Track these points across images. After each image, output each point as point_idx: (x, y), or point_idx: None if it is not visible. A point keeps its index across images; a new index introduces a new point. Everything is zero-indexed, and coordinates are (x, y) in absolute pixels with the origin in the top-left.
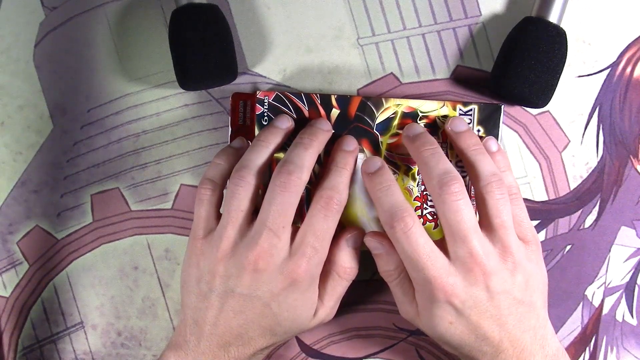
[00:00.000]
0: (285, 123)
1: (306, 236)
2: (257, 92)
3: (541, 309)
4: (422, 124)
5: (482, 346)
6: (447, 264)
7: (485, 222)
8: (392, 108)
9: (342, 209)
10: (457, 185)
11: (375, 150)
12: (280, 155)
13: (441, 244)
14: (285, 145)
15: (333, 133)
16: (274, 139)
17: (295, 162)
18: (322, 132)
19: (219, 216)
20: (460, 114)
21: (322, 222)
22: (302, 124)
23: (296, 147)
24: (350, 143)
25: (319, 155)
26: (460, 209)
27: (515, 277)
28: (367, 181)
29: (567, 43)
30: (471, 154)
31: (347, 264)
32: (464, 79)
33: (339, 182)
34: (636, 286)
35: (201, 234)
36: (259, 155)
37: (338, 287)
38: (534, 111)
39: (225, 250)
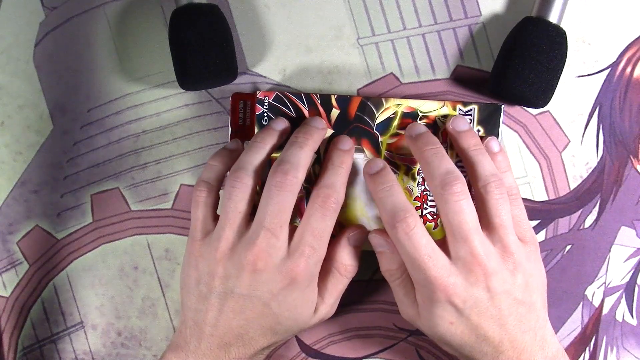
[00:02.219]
0: (281, 125)
1: (304, 235)
2: (257, 92)
3: (541, 309)
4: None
5: (483, 347)
6: (448, 264)
7: (485, 222)
8: (392, 108)
9: (340, 208)
10: (460, 186)
11: (375, 150)
12: (278, 155)
13: (442, 243)
14: (282, 146)
15: (332, 134)
16: (270, 140)
17: (290, 161)
18: (317, 131)
19: (216, 217)
20: (460, 114)
21: (320, 222)
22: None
23: (291, 146)
24: (346, 142)
25: (319, 155)
26: (463, 209)
27: (516, 278)
28: (369, 182)
29: (567, 43)
30: (472, 154)
31: (347, 261)
32: (464, 79)
33: (335, 181)
34: (636, 286)
35: (199, 236)
36: (256, 156)
37: (339, 285)
38: (534, 111)
39: (223, 251)
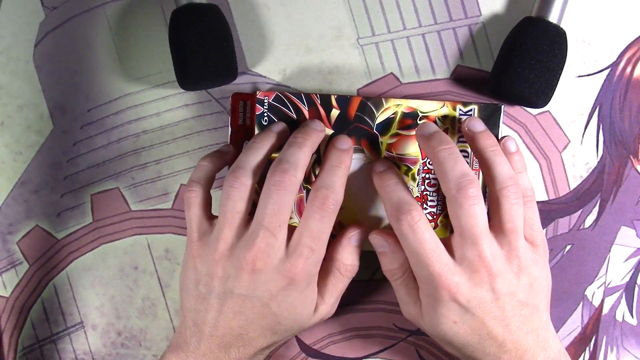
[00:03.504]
0: (279, 127)
1: (302, 237)
2: (257, 92)
3: (544, 311)
4: None
5: (486, 347)
6: (452, 262)
7: (497, 225)
8: (392, 108)
9: (338, 208)
10: (474, 189)
11: (375, 150)
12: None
13: (444, 244)
14: (280, 148)
15: (332, 134)
16: (269, 141)
17: (289, 161)
18: (315, 132)
19: (210, 216)
20: (460, 114)
21: (318, 223)
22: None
23: (290, 146)
24: (344, 142)
25: (319, 156)
26: (476, 213)
27: (520, 280)
28: (377, 179)
29: (567, 43)
30: (489, 155)
31: (348, 261)
32: (464, 79)
33: (334, 181)
34: (636, 286)
35: (195, 237)
36: (254, 156)
37: (339, 284)
38: (534, 111)
39: (222, 251)
